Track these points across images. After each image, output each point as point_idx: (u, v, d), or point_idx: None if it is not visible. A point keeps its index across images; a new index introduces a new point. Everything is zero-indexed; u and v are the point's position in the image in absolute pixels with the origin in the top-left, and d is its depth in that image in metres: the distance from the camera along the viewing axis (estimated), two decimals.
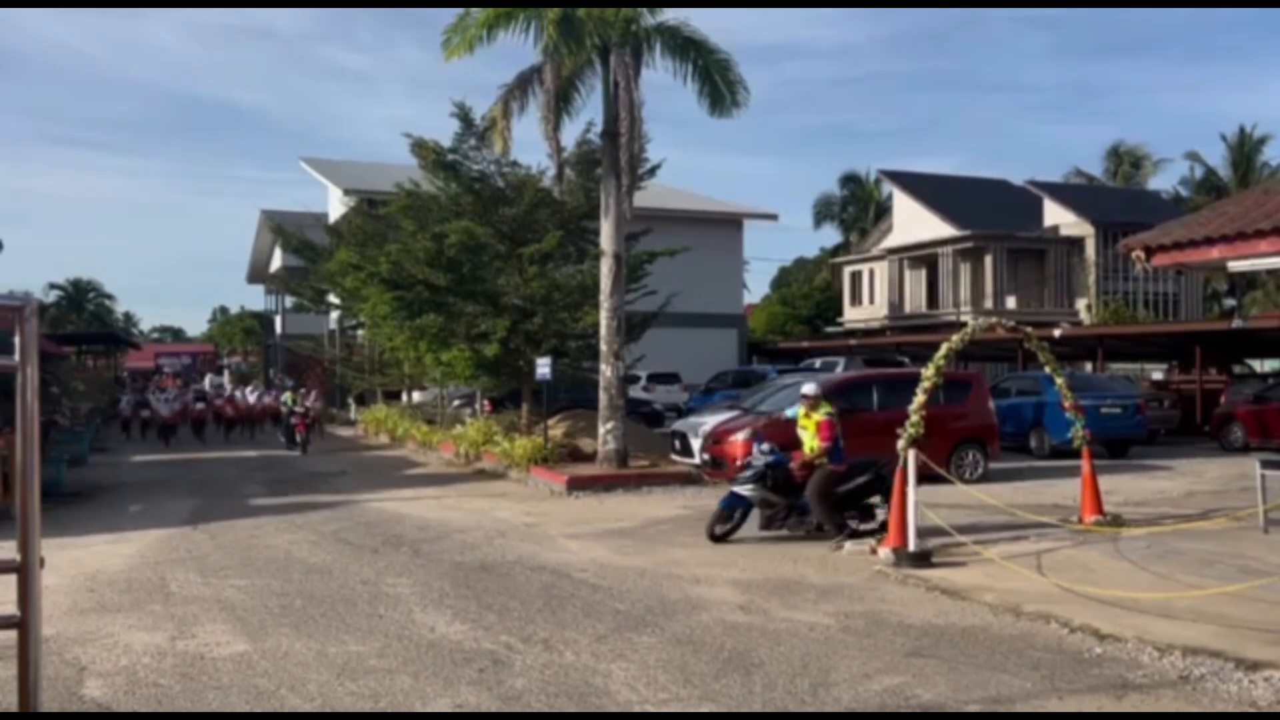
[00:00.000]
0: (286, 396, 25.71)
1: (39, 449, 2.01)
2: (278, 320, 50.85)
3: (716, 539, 10.70)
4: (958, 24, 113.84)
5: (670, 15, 16.36)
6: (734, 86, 16.62)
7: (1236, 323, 26.43)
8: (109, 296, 73.94)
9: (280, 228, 35.98)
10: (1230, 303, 42.23)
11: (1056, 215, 43.85)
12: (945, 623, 7.37)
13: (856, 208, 58.66)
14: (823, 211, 59.94)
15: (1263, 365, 29.62)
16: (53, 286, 67.32)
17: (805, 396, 11.09)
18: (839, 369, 27.12)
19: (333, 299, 31.56)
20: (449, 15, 16.48)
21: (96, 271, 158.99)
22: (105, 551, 10.90)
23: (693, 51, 16.47)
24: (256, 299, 62.23)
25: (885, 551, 9.54)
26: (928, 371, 10.51)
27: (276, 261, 45.51)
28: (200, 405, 28.64)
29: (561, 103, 16.62)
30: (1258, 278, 38.31)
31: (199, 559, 10.41)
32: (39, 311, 2.02)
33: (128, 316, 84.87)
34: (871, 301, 48.16)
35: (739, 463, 15.04)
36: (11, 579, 1.95)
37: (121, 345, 46.33)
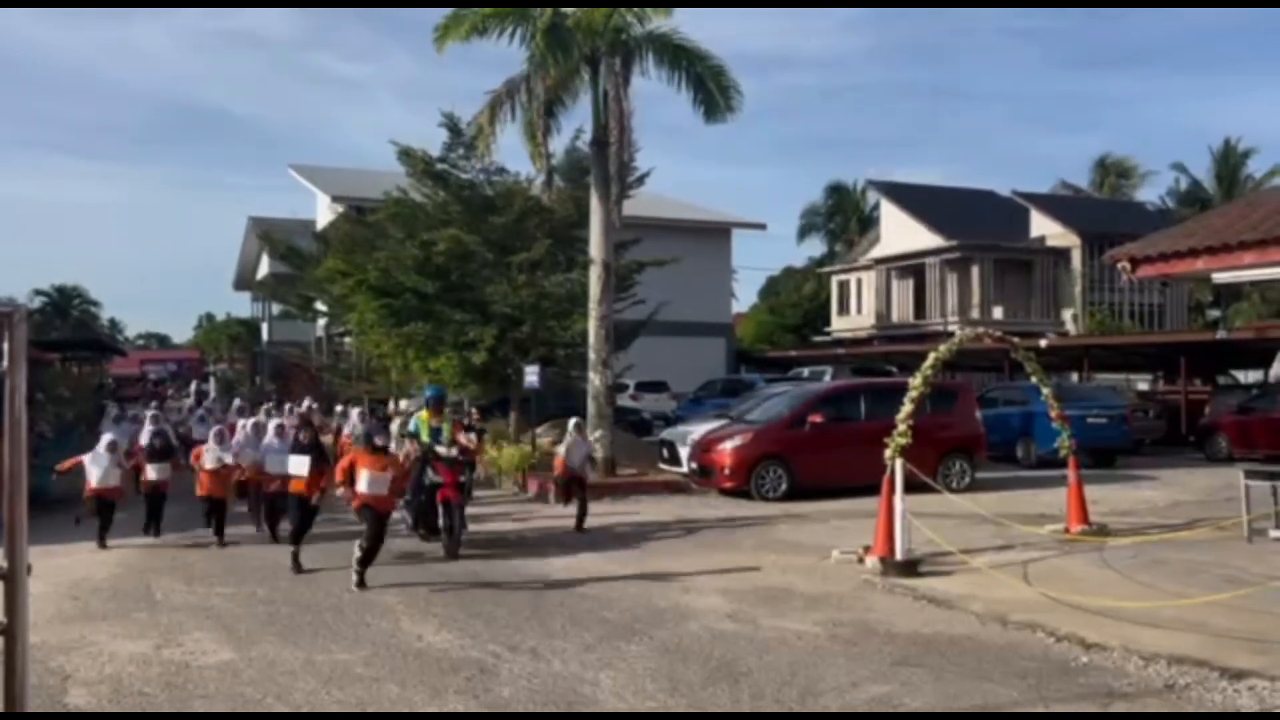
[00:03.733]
0: (419, 420, 11.65)
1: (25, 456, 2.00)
2: (264, 327, 50.68)
3: None
4: (947, 35, 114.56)
5: (661, 23, 16.41)
6: (727, 92, 16.67)
7: (1221, 334, 26.59)
8: (94, 303, 73.60)
9: (268, 234, 35.88)
10: (1215, 314, 42.49)
11: (1043, 226, 44.07)
12: (932, 632, 7.38)
13: (842, 218, 58.81)
14: (808, 224, 60.09)
15: (1247, 376, 29.77)
16: (38, 293, 66.94)
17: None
18: (827, 378, 27.17)
19: (320, 306, 31.46)
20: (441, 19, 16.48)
21: (82, 278, 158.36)
22: (90, 559, 10.83)
23: (685, 59, 16.51)
24: (243, 306, 62.03)
25: (872, 560, 9.55)
26: (915, 381, 10.55)
27: (264, 268, 45.38)
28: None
29: (550, 111, 16.64)
30: (1242, 289, 38.58)
31: (184, 567, 10.35)
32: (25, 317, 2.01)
33: (113, 323, 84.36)
34: (859, 311, 48.24)
35: (726, 470, 15.15)
36: None
37: (107, 352, 46.03)
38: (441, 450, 11.04)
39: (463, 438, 11.82)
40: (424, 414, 11.57)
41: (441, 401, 12.03)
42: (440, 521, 10.83)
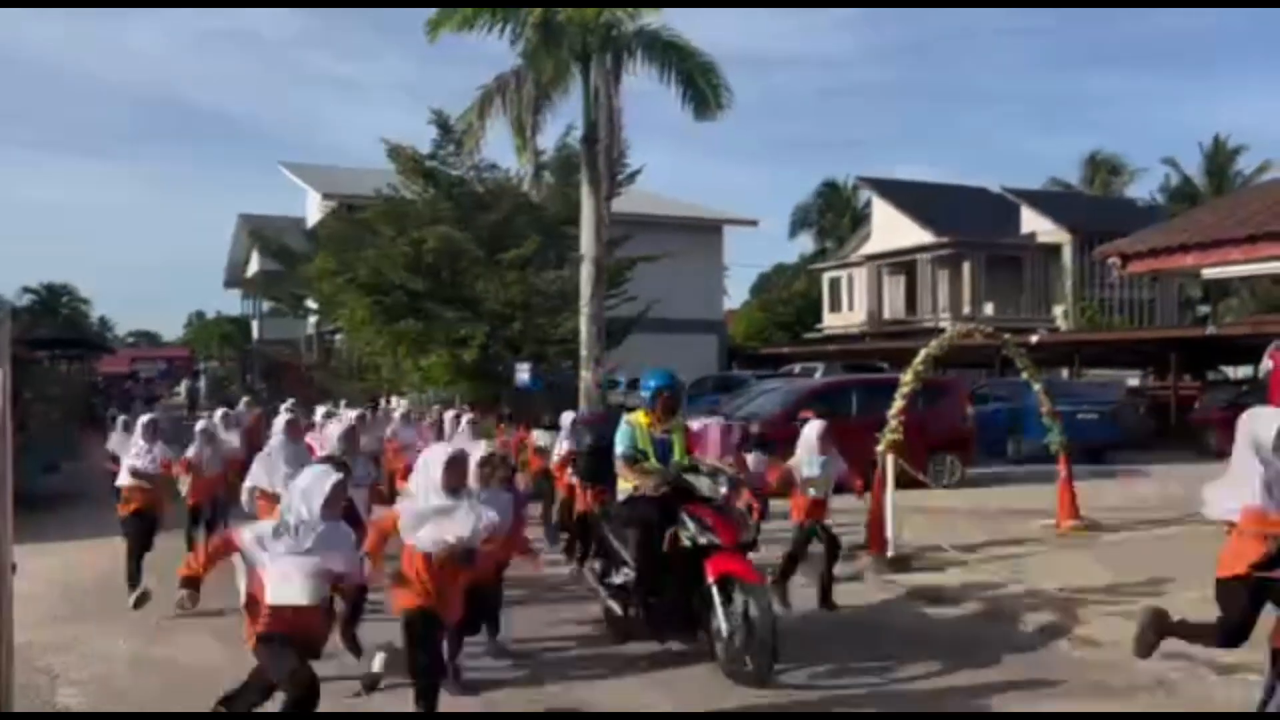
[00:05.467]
0: (633, 428, 6.75)
1: (12, 454, 1.99)
2: (255, 325, 50.54)
3: None
4: (940, 35, 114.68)
5: (651, 20, 16.40)
6: (717, 90, 16.67)
7: (1210, 329, 26.70)
8: (84, 301, 73.16)
9: (259, 232, 35.78)
10: (1204, 309, 42.64)
11: (1034, 222, 44.18)
12: (924, 626, 7.40)
13: (834, 215, 58.91)
14: (799, 220, 60.19)
15: (1236, 372, 29.91)
16: (26, 290, 66.59)
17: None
18: (818, 374, 27.19)
19: (310, 304, 31.40)
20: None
21: (71, 276, 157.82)
22: (81, 558, 10.77)
23: (675, 56, 16.50)
24: (233, 304, 61.83)
25: (865, 556, 9.56)
26: (906, 377, 10.57)
27: (254, 266, 45.23)
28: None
29: (540, 107, 16.61)
30: (1231, 284, 38.74)
31: (178, 566, 10.29)
32: (10, 316, 2.00)
33: (103, 321, 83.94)
34: (851, 308, 48.28)
35: None
36: None
37: (95, 350, 45.83)
38: (703, 485, 6.39)
39: (714, 459, 7.35)
40: (639, 416, 6.80)
41: (675, 395, 6.97)
42: (719, 620, 6.00)
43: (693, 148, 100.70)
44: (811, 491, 7.93)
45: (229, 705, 4.74)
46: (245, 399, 19.32)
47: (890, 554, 9.37)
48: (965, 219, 43.21)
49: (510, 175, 20.96)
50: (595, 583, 7.11)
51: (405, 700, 5.91)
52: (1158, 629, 4.94)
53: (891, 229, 45.33)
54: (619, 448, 6.67)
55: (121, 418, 13.98)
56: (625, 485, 6.64)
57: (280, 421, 8.50)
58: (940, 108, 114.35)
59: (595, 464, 6.76)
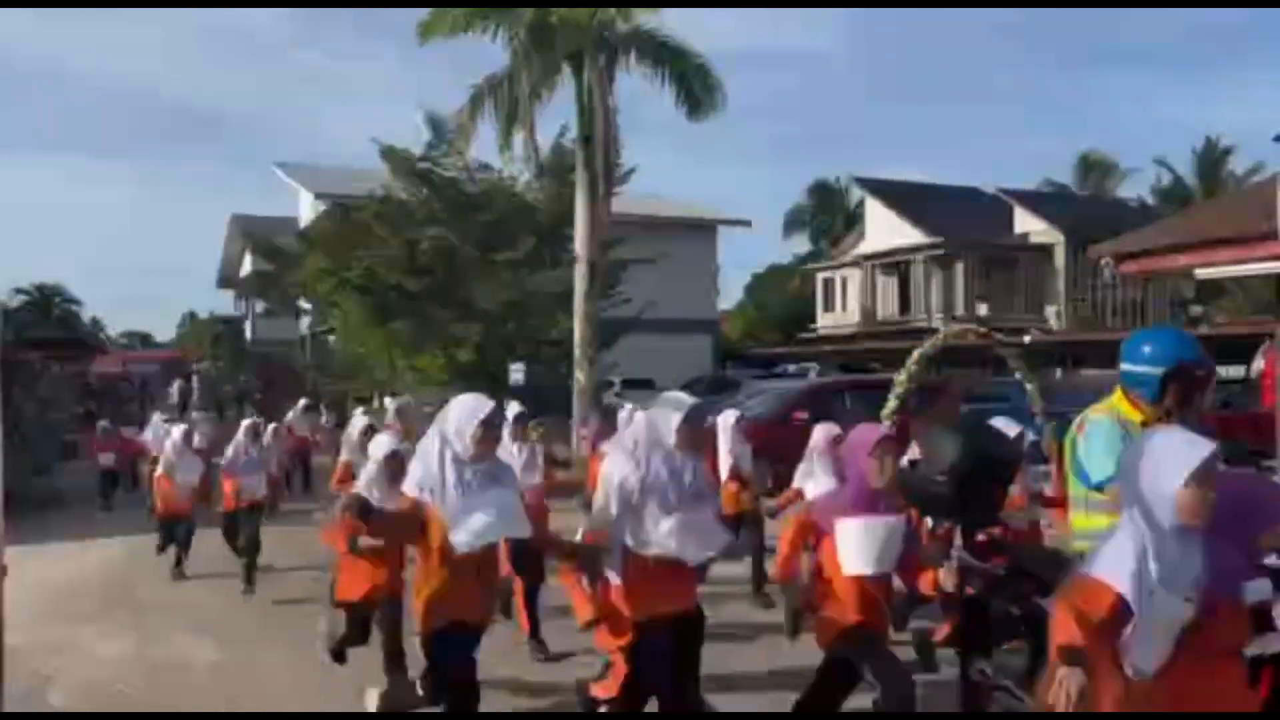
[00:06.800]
0: (1103, 430, 3.91)
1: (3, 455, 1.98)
2: (248, 326, 50.46)
3: None
4: (934, 33, 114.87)
5: (645, 20, 16.41)
6: (711, 91, 16.71)
7: (1203, 329, 26.77)
8: (76, 301, 72.90)
9: (251, 232, 35.73)
10: (1196, 310, 42.73)
11: (1027, 223, 44.28)
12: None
13: (827, 215, 59.01)
14: (793, 221, 60.29)
15: (1229, 371, 29.99)
16: (18, 291, 66.34)
17: None
18: (812, 375, 27.23)
19: (304, 304, 31.34)
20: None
21: (63, 276, 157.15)
22: (73, 559, 10.75)
23: (669, 56, 16.53)
24: (227, 305, 61.69)
25: None
26: (900, 378, 10.58)
27: (247, 266, 45.13)
28: None
29: (534, 107, 16.62)
30: (1222, 285, 38.86)
31: (170, 566, 10.27)
32: (4, 317, 1.99)
33: (95, 322, 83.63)
34: (844, 308, 48.34)
35: None
36: None
37: (88, 350, 45.67)
38: None
39: None
40: (1123, 407, 4.02)
41: (1205, 378, 4.05)
42: None
43: (687, 147, 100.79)
44: None
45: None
46: (303, 402, 16.80)
47: None
48: (958, 219, 43.29)
49: (503, 176, 20.95)
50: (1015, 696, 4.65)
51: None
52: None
53: (885, 229, 45.41)
54: (1103, 465, 3.85)
55: (180, 428, 10.78)
56: (1092, 524, 3.91)
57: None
58: (934, 108, 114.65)
59: (968, 494, 3.99)
